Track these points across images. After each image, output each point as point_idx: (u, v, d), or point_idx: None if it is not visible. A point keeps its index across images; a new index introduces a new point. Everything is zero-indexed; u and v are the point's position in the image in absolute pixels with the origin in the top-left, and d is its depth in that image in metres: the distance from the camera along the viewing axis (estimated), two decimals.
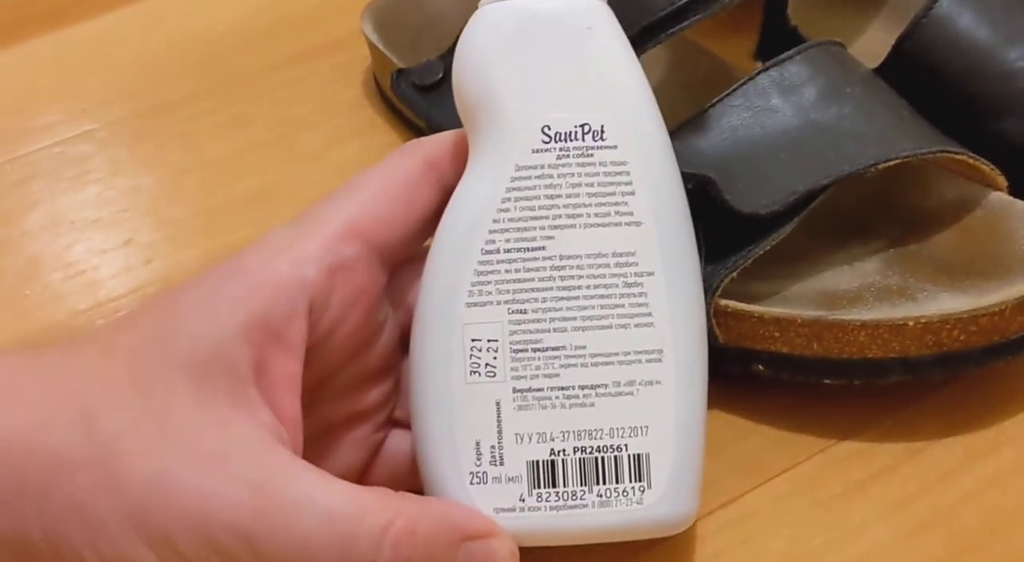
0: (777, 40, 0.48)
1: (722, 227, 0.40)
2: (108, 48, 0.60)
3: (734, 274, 0.39)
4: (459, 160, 0.36)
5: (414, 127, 0.52)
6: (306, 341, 0.33)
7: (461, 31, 0.36)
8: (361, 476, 0.37)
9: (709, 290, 0.39)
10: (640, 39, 0.42)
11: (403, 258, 0.36)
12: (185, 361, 0.31)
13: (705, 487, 0.35)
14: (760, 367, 0.40)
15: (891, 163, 0.40)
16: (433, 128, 0.48)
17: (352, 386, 0.36)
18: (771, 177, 0.40)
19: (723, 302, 0.40)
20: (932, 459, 0.39)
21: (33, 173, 0.54)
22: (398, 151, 0.36)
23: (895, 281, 0.41)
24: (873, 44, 0.51)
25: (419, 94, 0.48)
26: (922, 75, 0.45)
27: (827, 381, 0.39)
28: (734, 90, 0.43)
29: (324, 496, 0.30)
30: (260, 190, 0.52)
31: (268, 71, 0.58)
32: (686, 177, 0.39)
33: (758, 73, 0.43)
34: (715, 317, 0.39)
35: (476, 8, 0.36)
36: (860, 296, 0.40)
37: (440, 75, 0.48)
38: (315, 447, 0.35)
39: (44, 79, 0.59)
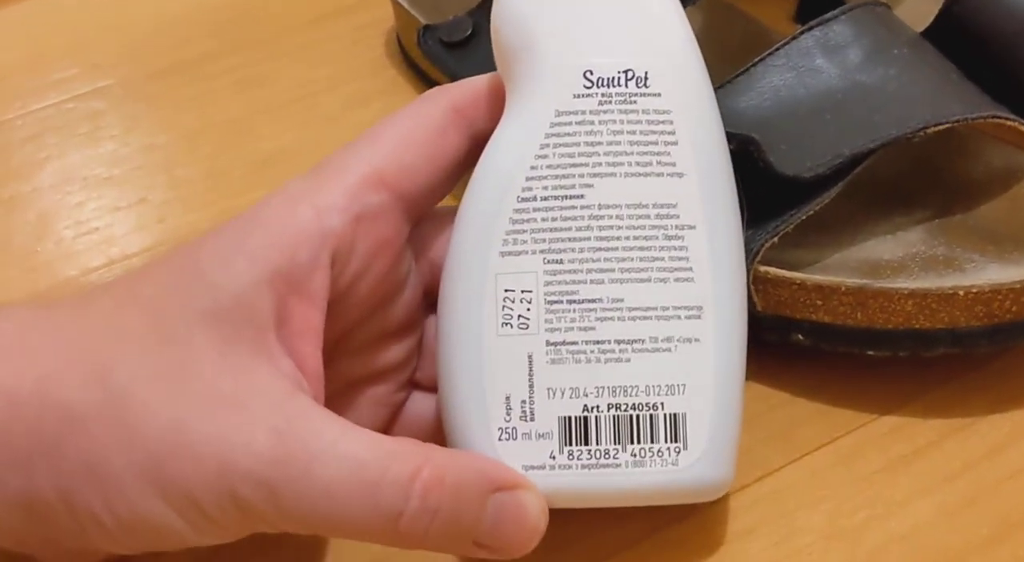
0: (817, 3, 0.46)
1: (763, 190, 0.38)
2: (125, 5, 0.59)
3: (775, 239, 0.38)
4: (488, 106, 0.34)
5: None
6: (328, 292, 0.31)
7: None
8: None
9: (749, 255, 0.37)
10: None
11: (427, 208, 0.35)
12: (205, 311, 0.30)
13: (739, 459, 0.34)
14: (800, 337, 0.38)
15: (940, 127, 0.38)
16: None
17: (373, 342, 0.35)
18: (815, 139, 0.39)
19: (762, 268, 0.38)
20: (977, 435, 0.38)
21: (45, 128, 0.52)
22: (422, 97, 0.35)
23: (941, 251, 0.39)
24: (916, 9, 0.49)
25: (447, 51, 0.46)
26: (971, 39, 0.43)
27: (870, 352, 0.38)
28: (776, 50, 0.41)
29: (348, 444, 0.29)
30: (277, 151, 0.50)
31: (288, 31, 0.57)
32: (728, 136, 0.37)
33: (801, 32, 0.41)
34: (754, 284, 0.38)
35: None
36: (904, 266, 0.39)
37: (469, 31, 0.46)
38: (334, 404, 0.34)
39: (59, 33, 0.58)
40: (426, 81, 0.52)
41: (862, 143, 0.38)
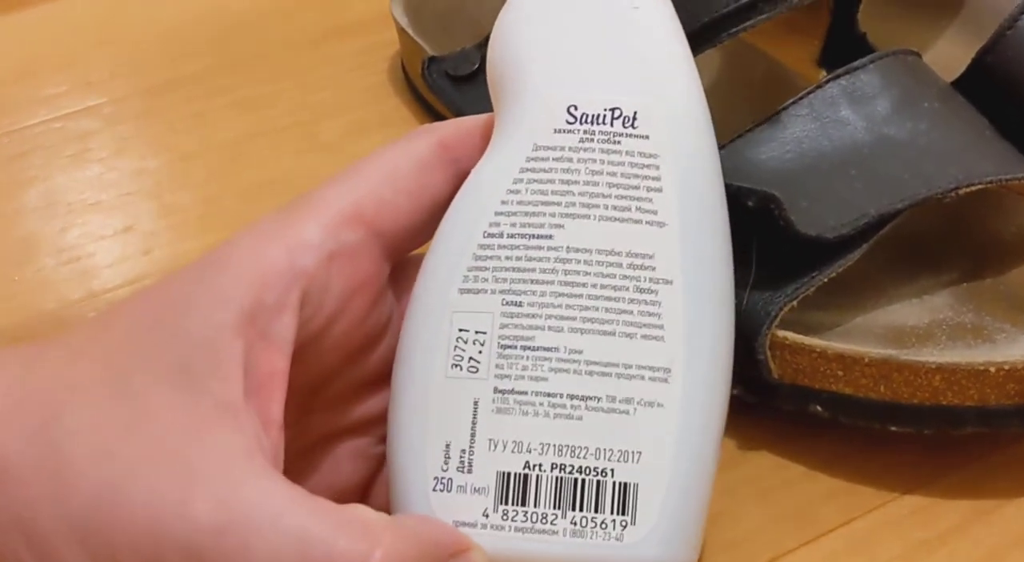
0: (844, 46, 0.44)
1: (781, 249, 0.36)
2: (122, 16, 0.57)
3: (794, 303, 0.35)
4: (480, 146, 0.32)
5: (442, 118, 0.48)
6: (295, 336, 0.29)
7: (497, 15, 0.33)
8: (363, 492, 0.34)
9: (767, 319, 0.35)
10: (699, 37, 0.38)
11: (409, 248, 0.33)
12: (167, 361, 0.28)
13: (749, 538, 0.32)
14: (819, 408, 0.36)
15: (973, 188, 0.36)
16: None
17: (352, 391, 0.33)
18: (839, 196, 0.36)
19: (780, 333, 0.36)
20: (1005, 520, 0.35)
21: (31, 147, 0.50)
22: (410, 133, 0.33)
23: (969, 318, 0.37)
24: (946, 55, 0.47)
25: (452, 85, 0.44)
26: (1004, 91, 0.41)
27: (893, 428, 0.35)
28: (800, 99, 0.39)
29: (294, 516, 0.26)
30: (271, 181, 0.48)
31: (289, 49, 0.55)
32: (748, 193, 0.35)
33: (827, 81, 0.39)
34: (770, 350, 0.36)
35: None
36: (931, 333, 0.36)
37: (476, 65, 0.44)
38: (310, 459, 0.32)
39: (51, 46, 0.56)
40: (430, 112, 0.50)
41: (889, 203, 0.36)
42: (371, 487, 0.34)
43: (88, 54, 0.55)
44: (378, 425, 0.33)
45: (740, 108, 0.43)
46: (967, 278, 0.39)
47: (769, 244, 0.36)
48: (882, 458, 0.37)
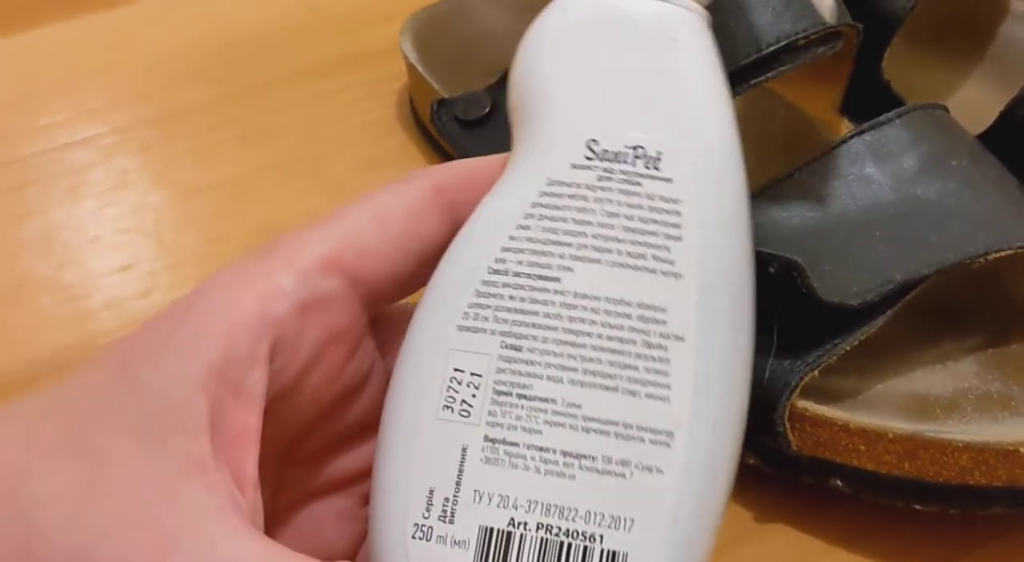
0: (867, 95, 0.43)
1: (802, 315, 0.35)
2: (125, 42, 0.56)
3: (815, 373, 0.34)
4: (479, 192, 0.30)
5: (451, 159, 0.47)
6: (266, 389, 0.28)
7: (511, 54, 0.31)
8: (350, 557, 0.32)
9: (786, 389, 0.34)
10: None
11: (392, 298, 0.31)
12: (131, 419, 0.26)
13: None
14: (839, 483, 0.35)
15: (1003, 253, 0.35)
16: None
17: (330, 446, 0.31)
18: (864, 260, 0.35)
19: (801, 404, 0.34)
20: None
21: (27, 180, 0.49)
22: (404, 177, 0.31)
23: (996, 388, 0.36)
24: (971, 101, 0.46)
25: (462, 129, 0.43)
26: None
27: (917, 506, 0.34)
28: (823, 154, 0.37)
29: None
30: (275, 220, 0.47)
31: (296, 79, 0.54)
32: (769, 258, 0.34)
33: (851, 136, 0.38)
34: (790, 421, 0.34)
35: (526, 28, 0.31)
36: (956, 404, 0.35)
37: (487, 109, 0.42)
38: (291, 520, 0.31)
39: (52, 73, 0.54)
40: (438, 149, 0.48)
41: (916, 268, 0.35)
42: (358, 551, 0.32)
43: (89, 81, 0.53)
44: (360, 483, 0.32)
45: (758, 157, 0.41)
46: (993, 343, 0.37)
47: (791, 310, 0.35)
48: (905, 535, 0.35)
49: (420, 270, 0.30)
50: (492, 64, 0.46)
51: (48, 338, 0.43)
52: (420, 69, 0.47)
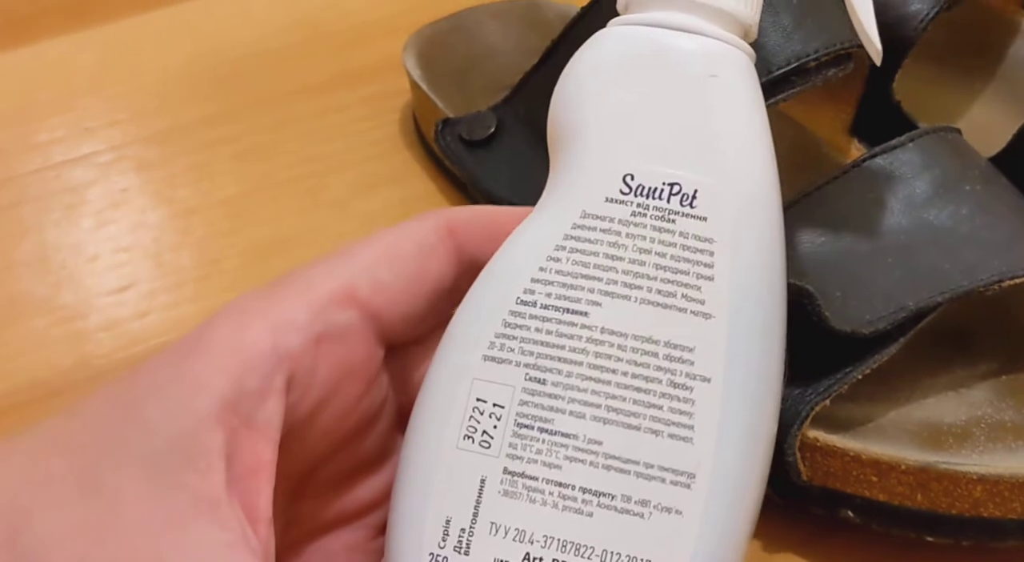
0: (878, 115, 0.42)
1: (813, 342, 0.34)
2: (122, 58, 0.55)
3: (827, 402, 0.33)
4: (493, 239, 0.30)
5: (454, 177, 0.46)
6: (282, 422, 0.27)
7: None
8: None
9: (797, 419, 0.33)
10: None
11: (405, 336, 0.30)
12: (140, 455, 0.26)
13: None
14: (850, 514, 0.34)
15: (1017, 281, 0.34)
16: (479, 191, 0.42)
17: (341, 480, 0.31)
18: (875, 287, 0.35)
19: (811, 434, 0.34)
20: None
21: (23, 198, 0.48)
22: (417, 215, 0.31)
23: (1010, 416, 0.35)
24: (982, 120, 0.45)
25: (466, 150, 0.42)
26: None
27: (930, 538, 0.33)
28: (834, 178, 0.37)
29: None
30: (274, 240, 0.46)
31: (296, 96, 0.53)
32: None
33: (863, 159, 0.37)
34: (800, 450, 0.33)
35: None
36: (969, 432, 0.34)
37: (492, 130, 0.42)
38: (302, 554, 0.30)
39: (50, 88, 0.54)
40: (441, 167, 0.48)
41: (929, 295, 0.34)
42: None
43: (86, 98, 0.53)
44: (370, 514, 0.31)
45: None
46: (1006, 370, 0.37)
47: (801, 337, 0.34)
48: None
49: (432, 309, 0.30)
50: (496, 81, 0.45)
51: (44, 360, 0.42)
52: (424, 86, 0.46)
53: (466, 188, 0.44)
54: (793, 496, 0.35)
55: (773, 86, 0.37)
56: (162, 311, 0.44)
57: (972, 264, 0.35)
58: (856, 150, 0.42)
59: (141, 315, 0.43)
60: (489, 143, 0.42)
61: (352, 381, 0.29)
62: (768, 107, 0.39)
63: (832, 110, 0.43)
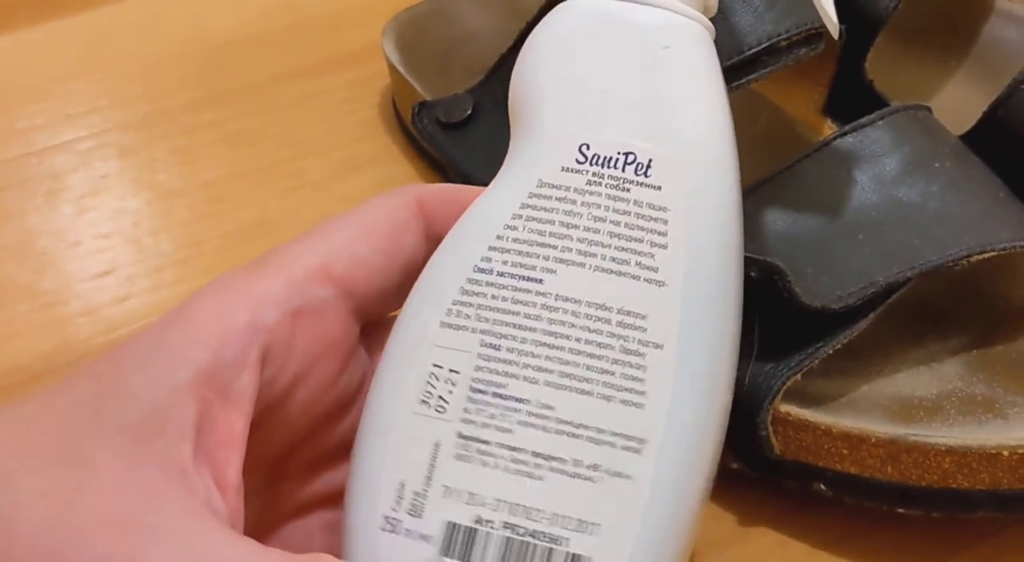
0: (850, 94, 0.43)
1: (784, 319, 0.34)
2: (103, 45, 0.55)
3: (798, 376, 0.34)
4: (457, 214, 0.31)
5: (434, 160, 0.47)
6: (255, 394, 0.28)
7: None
8: None
9: (768, 394, 0.34)
10: None
11: (381, 311, 0.31)
12: (118, 424, 0.26)
13: None
14: (822, 487, 0.34)
15: (986, 255, 0.35)
16: (457, 172, 0.42)
17: (322, 459, 0.31)
18: (846, 264, 0.35)
19: (783, 408, 0.34)
20: None
21: (3, 184, 0.48)
22: (388, 191, 0.31)
23: (980, 390, 0.35)
24: (954, 99, 0.46)
25: (443, 132, 0.42)
26: (1016, 146, 0.39)
27: (901, 510, 0.34)
28: (805, 157, 0.37)
29: None
30: (256, 222, 0.46)
31: (277, 82, 0.53)
32: (750, 262, 0.34)
33: (833, 137, 0.37)
34: (773, 425, 0.34)
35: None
36: (940, 406, 0.35)
37: (468, 112, 0.42)
38: (281, 532, 0.31)
39: (29, 76, 0.54)
40: (421, 150, 0.48)
41: (899, 270, 0.34)
42: None
43: (67, 85, 0.53)
44: None
45: (741, 158, 0.41)
46: (977, 345, 0.37)
47: (772, 313, 0.34)
48: (889, 537, 0.35)
49: (404, 283, 0.31)
50: (475, 65, 0.46)
51: (25, 345, 0.42)
52: (402, 70, 0.47)
53: (445, 171, 0.45)
54: (766, 471, 0.35)
55: (745, 66, 0.37)
56: (142, 295, 0.44)
57: (942, 240, 0.35)
58: (829, 129, 0.43)
59: (121, 300, 0.44)
60: (466, 125, 0.42)
61: (329, 357, 0.29)
62: (742, 87, 0.40)
63: (805, 90, 0.43)
